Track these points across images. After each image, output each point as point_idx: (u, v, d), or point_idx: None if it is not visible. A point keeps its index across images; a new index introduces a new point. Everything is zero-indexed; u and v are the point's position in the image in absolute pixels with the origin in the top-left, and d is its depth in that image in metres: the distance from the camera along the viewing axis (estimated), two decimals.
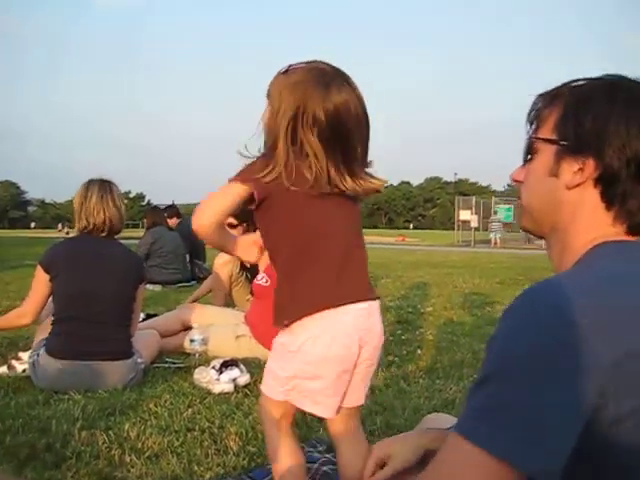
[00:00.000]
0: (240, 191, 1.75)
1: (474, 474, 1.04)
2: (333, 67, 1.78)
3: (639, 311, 1.04)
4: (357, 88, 1.77)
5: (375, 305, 1.84)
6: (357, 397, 1.90)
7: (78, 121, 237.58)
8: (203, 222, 1.80)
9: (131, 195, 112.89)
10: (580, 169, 1.19)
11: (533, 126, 1.30)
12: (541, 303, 1.06)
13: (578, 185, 1.20)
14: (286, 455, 1.88)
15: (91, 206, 3.68)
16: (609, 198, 1.19)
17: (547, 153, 1.24)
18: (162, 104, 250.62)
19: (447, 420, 1.96)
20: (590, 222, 1.21)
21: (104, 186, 3.75)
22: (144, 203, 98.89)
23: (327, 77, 1.73)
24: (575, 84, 1.26)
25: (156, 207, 10.79)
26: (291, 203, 1.75)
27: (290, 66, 1.77)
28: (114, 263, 3.77)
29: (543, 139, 1.25)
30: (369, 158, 1.82)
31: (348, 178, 1.75)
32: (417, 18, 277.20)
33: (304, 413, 2.06)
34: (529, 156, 1.29)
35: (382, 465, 1.67)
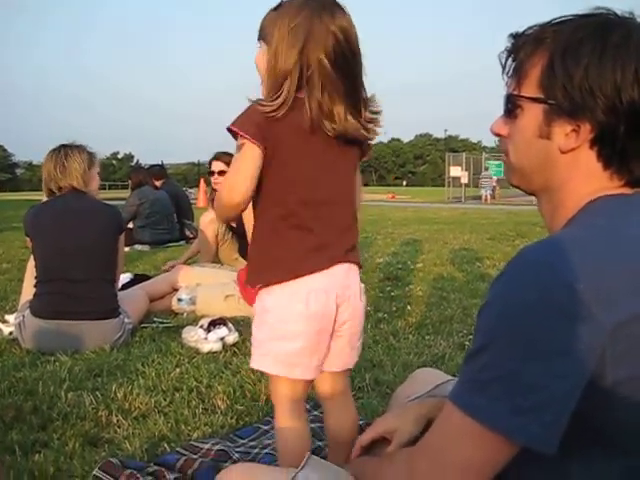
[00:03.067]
0: (254, 152, 1.62)
1: (470, 446, 1.03)
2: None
3: (637, 272, 1.00)
4: (351, 17, 1.67)
5: (355, 267, 1.78)
6: (344, 361, 1.83)
7: (65, 82, 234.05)
8: (245, 195, 1.65)
9: (120, 156, 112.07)
10: (574, 130, 1.10)
11: (514, 78, 1.18)
12: (537, 267, 1.01)
13: (573, 149, 1.12)
14: (293, 437, 1.79)
15: (53, 170, 3.70)
16: (607, 158, 1.11)
17: (534, 112, 1.14)
18: (159, 58, 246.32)
19: (435, 375, 1.93)
20: (586, 179, 1.14)
21: (65, 150, 3.75)
22: (133, 163, 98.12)
23: (326, 6, 1.62)
24: (559, 26, 1.14)
25: (140, 166, 10.65)
26: (293, 155, 1.66)
27: (282, 2, 1.68)
28: (89, 217, 3.75)
29: (529, 98, 1.15)
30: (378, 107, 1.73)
31: (355, 116, 1.66)
32: None
33: None
34: (512, 110, 1.19)
35: (380, 440, 1.62)
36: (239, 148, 1.66)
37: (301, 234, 1.68)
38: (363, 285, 1.83)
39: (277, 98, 1.61)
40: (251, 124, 1.62)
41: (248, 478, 1.51)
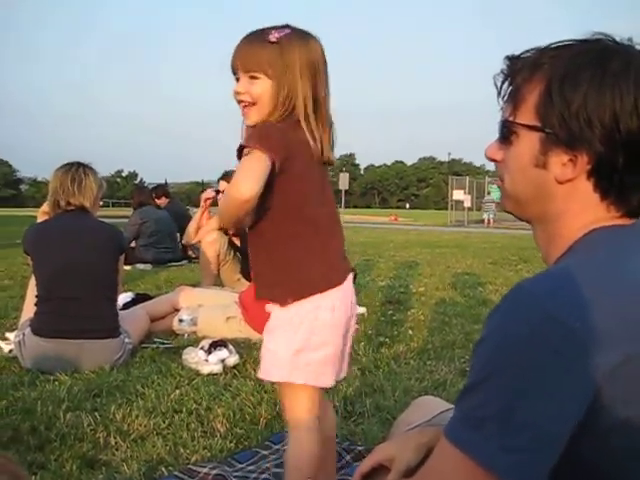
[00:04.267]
0: (266, 160, 1.64)
1: None
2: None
3: (636, 311, 0.98)
4: None
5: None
6: (344, 368, 1.90)
7: (72, 98, 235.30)
8: (253, 191, 1.62)
9: (124, 174, 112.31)
10: (570, 160, 1.07)
11: (510, 104, 1.15)
12: (532, 303, 0.98)
13: (570, 180, 1.09)
14: (309, 454, 1.81)
15: (68, 184, 3.69)
16: (604, 189, 1.08)
17: (530, 140, 1.11)
18: (163, 78, 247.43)
19: (437, 403, 1.91)
20: (583, 210, 1.11)
21: (83, 168, 3.77)
22: (137, 181, 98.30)
23: (316, 40, 1.77)
24: (557, 51, 1.11)
25: (143, 186, 10.70)
26: (305, 169, 1.74)
27: (268, 34, 1.72)
28: (91, 236, 3.75)
29: (525, 125, 1.12)
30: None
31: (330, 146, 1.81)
32: None
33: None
34: (507, 137, 1.16)
35: (378, 468, 1.60)
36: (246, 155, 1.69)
37: (324, 241, 1.78)
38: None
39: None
40: (267, 140, 1.67)
41: None
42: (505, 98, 1.18)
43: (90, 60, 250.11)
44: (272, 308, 1.79)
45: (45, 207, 3.95)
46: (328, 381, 1.80)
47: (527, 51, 1.15)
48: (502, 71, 1.17)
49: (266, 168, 1.64)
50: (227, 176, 5.12)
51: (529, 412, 0.95)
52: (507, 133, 1.16)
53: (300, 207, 1.75)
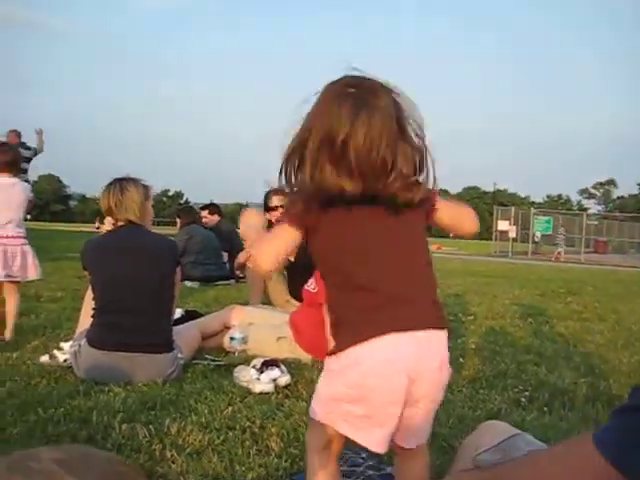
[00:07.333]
0: (292, 234, 1.69)
1: None
2: (363, 80, 1.64)
3: None
4: (388, 97, 1.63)
5: (437, 335, 1.68)
6: (419, 438, 1.78)
7: (120, 117, 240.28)
8: (264, 267, 1.75)
9: (170, 193, 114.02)
10: None
11: None
12: None
13: None
14: None
15: (111, 204, 3.78)
16: None
17: None
18: (204, 100, 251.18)
19: (504, 428, 1.88)
20: None
21: (120, 184, 3.82)
22: (182, 201, 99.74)
23: (354, 95, 1.61)
24: None
25: (190, 207, 10.94)
26: (332, 226, 1.66)
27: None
28: (147, 249, 3.82)
29: None
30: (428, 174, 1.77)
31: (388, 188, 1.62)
32: None
33: None
34: None
35: None
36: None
37: (364, 296, 1.64)
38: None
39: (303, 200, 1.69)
40: (293, 212, 1.70)
41: None
42: None
43: (134, 79, 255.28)
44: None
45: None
46: (373, 442, 1.66)
47: None
48: None
49: (287, 243, 1.71)
50: (277, 192, 5.11)
51: None
52: None
53: (337, 263, 1.68)
